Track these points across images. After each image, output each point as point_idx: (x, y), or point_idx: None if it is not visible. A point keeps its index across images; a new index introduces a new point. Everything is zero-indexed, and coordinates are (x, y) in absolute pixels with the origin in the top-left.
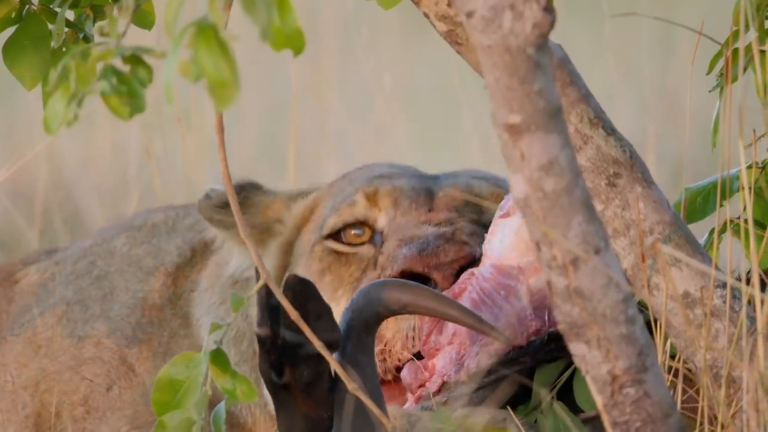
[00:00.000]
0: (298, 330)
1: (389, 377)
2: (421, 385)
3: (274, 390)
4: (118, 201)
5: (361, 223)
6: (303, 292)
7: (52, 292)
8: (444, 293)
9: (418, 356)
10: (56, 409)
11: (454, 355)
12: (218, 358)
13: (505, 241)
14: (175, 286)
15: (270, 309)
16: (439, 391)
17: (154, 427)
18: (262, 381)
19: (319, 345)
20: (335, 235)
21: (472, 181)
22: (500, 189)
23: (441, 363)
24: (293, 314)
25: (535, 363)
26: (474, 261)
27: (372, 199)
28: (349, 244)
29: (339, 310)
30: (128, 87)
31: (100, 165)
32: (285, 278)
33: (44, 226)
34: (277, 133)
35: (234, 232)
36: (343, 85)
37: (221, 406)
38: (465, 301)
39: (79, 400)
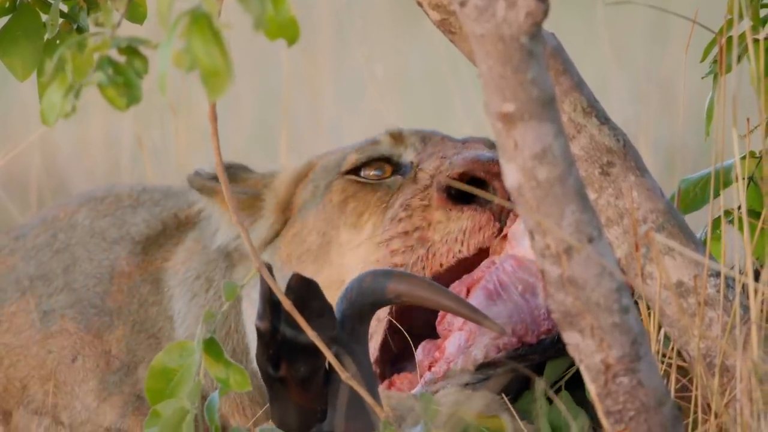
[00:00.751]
0: (298, 327)
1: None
2: (430, 366)
3: (270, 382)
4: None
5: (385, 160)
6: (305, 291)
7: (13, 268)
8: (463, 279)
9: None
10: (23, 383)
11: (462, 341)
12: (212, 347)
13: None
14: (144, 254)
15: (272, 303)
16: (443, 376)
17: (148, 416)
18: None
19: (312, 335)
20: (356, 170)
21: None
22: None
23: (449, 348)
24: (286, 303)
25: (544, 360)
26: None
27: (397, 137)
28: (370, 179)
29: (360, 238)
30: (124, 78)
31: (93, 154)
32: (289, 277)
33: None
34: (270, 122)
35: (219, 202)
36: (336, 74)
37: (215, 396)
38: (480, 290)
39: (47, 374)
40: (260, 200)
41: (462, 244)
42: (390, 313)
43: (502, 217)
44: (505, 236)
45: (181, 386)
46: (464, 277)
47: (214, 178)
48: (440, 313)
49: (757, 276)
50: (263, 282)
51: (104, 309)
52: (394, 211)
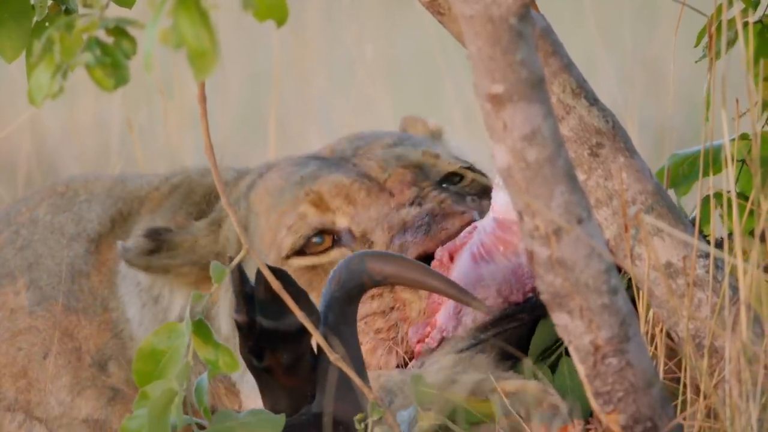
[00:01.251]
0: (273, 316)
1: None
2: (422, 340)
3: (256, 372)
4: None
5: (319, 232)
6: (277, 281)
7: None
8: (447, 245)
9: None
10: None
11: (452, 310)
12: (201, 328)
13: (507, 197)
14: (98, 253)
15: (245, 296)
16: (438, 347)
17: (136, 398)
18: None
19: (301, 316)
20: (297, 252)
21: (394, 150)
22: (426, 148)
23: (441, 318)
24: (275, 284)
25: (534, 318)
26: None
27: (320, 205)
28: (315, 254)
29: None
30: (112, 59)
31: (82, 136)
32: (257, 269)
33: None
34: (259, 103)
35: (174, 274)
36: (326, 55)
37: (204, 378)
38: (465, 254)
39: (19, 371)
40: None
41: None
42: None
43: None
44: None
45: (169, 368)
46: (447, 243)
47: (150, 250)
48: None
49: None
50: (235, 276)
51: (70, 307)
52: None
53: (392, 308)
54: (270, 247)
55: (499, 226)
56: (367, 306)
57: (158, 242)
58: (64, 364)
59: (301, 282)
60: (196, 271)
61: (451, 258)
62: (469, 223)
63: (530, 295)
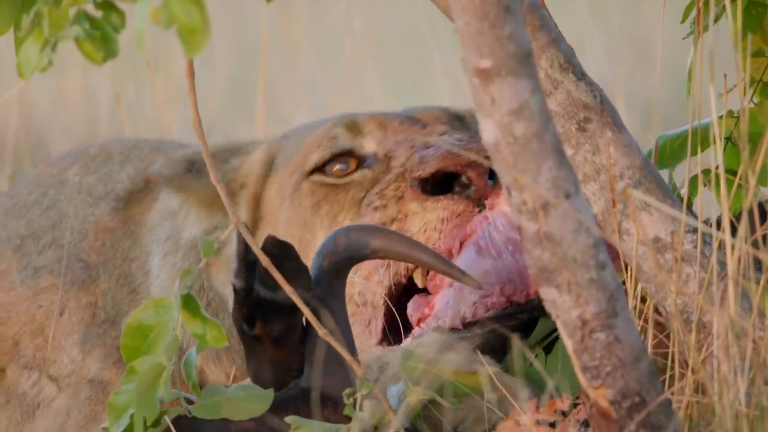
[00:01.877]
0: (272, 287)
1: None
2: (419, 322)
3: (245, 339)
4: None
5: (347, 153)
6: (280, 253)
7: (5, 227)
8: (456, 233)
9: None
10: (14, 339)
11: (451, 300)
12: (189, 303)
13: None
14: (126, 209)
15: (247, 262)
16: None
17: (124, 373)
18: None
19: (290, 290)
20: (320, 169)
21: (442, 107)
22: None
23: (439, 304)
24: (264, 260)
25: (532, 319)
26: None
27: (353, 128)
28: (339, 177)
29: None
30: (101, 32)
31: (70, 110)
32: (264, 239)
33: (15, 171)
34: (247, 78)
35: (194, 191)
36: (314, 30)
37: (192, 352)
38: (471, 246)
39: (37, 329)
40: (232, 195)
41: (440, 233)
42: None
43: (482, 200)
44: (499, 191)
45: (157, 342)
46: (457, 231)
47: (184, 168)
48: (429, 275)
49: (734, 232)
50: (239, 241)
51: (89, 263)
52: (369, 198)
53: (393, 220)
54: (296, 167)
55: (509, 223)
56: (368, 218)
57: (192, 170)
58: (77, 321)
59: (316, 196)
60: (210, 194)
61: (461, 246)
62: (485, 172)
63: (532, 297)
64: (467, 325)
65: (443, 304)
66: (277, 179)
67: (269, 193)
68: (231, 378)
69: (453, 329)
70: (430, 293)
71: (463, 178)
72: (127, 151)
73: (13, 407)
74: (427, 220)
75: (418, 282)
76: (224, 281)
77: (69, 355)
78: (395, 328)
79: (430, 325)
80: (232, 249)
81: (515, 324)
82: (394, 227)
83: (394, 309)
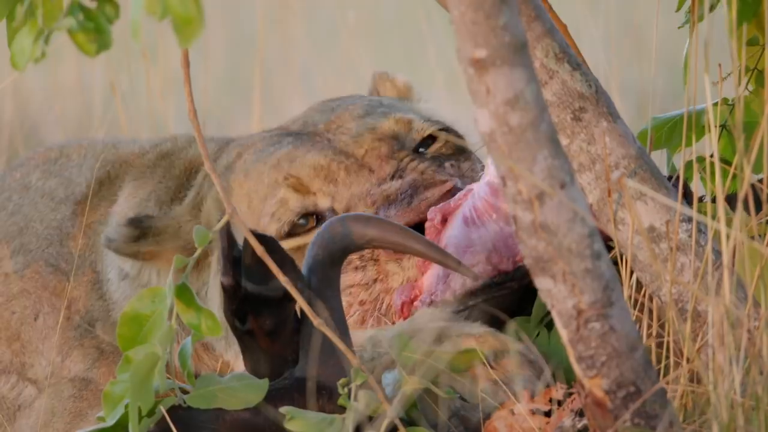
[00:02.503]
0: (259, 281)
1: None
2: (412, 301)
3: (238, 335)
4: (83, 136)
5: (302, 216)
6: (264, 246)
7: None
8: (440, 206)
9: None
10: None
11: (441, 272)
12: (183, 292)
13: None
14: (83, 215)
15: (232, 259)
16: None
17: (120, 362)
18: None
19: (285, 281)
20: (283, 237)
21: (368, 121)
22: (397, 114)
23: (429, 280)
24: (258, 249)
25: (523, 286)
26: (458, 187)
27: (300, 189)
28: (299, 235)
29: None
30: (95, 23)
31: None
32: (245, 235)
33: (9, 161)
34: (243, 67)
35: (164, 259)
36: (309, 20)
37: (188, 342)
38: (458, 217)
39: (13, 334)
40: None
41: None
42: None
43: None
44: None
45: (152, 332)
46: (442, 204)
47: (136, 236)
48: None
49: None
50: (222, 238)
51: (59, 269)
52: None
53: (375, 280)
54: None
55: (492, 191)
56: (350, 277)
57: (142, 229)
58: (53, 325)
59: None
60: (186, 254)
61: (444, 220)
62: (450, 192)
63: (520, 263)
64: (459, 297)
65: (433, 279)
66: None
67: None
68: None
69: (445, 303)
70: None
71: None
72: (83, 152)
73: None
74: (407, 277)
75: None
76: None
77: (47, 358)
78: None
79: (425, 300)
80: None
81: (506, 293)
82: (377, 287)
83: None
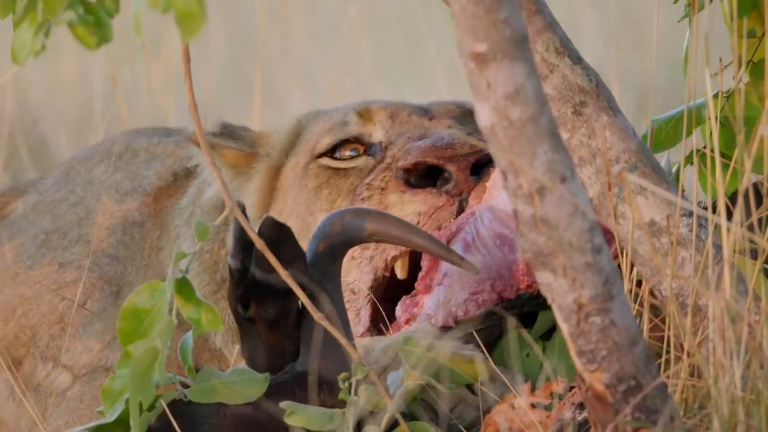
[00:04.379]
0: (267, 269)
1: None
2: (408, 321)
3: (239, 320)
4: (84, 130)
5: (355, 140)
6: (278, 235)
7: (32, 223)
8: (441, 231)
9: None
10: (33, 330)
11: (441, 297)
12: (183, 286)
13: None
14: (155, 203)
15: (244, 242)
16: None
17: (119, 358)
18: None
19: (284, 274)
20: (329, 153)
21: (460, 102)
22: None
23: (429, 303)
24: (259, 243)
25: (523, 314)
26: (489, 159)
27: (365, 115)
28: (344, 160)
29: None
30: (95, 17)
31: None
32: (261, 220)
33: (10, 155)
34: (244, 62)
35: (221, 151)
36: (309, 14)
37: (188, 336)
38: (458, 241)
39: (56, 318)
40: (255, 159)
41: (418, 225)
42: (372, 289)
43: (463, 195)
44: (484, 186)
45: (152, 326)
46: (443, 229)
47: (214, 134)
48: (422, 271)
49: (729, 215)
50: (236, 221)
51: (117, 257)
52: (360, 188)
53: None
54: (311, 147)
55: (495, 217)
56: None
57: (227, 131)
58: (99, 311)
59: (320, 179)
60: (238, 155)
61: (448, 243)
62: (480, 152)
63: (522, 292)
64: (459, 323)
65: (433, 302)
66: (297, 152)
67: (288, 166)
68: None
69: (445, 327)
70: (415, 290)
71: (446, 173)
72: (152, 148)
73: (29, 398)
74: (404, 213)
75: (398, 272)
76: None
77: (85, 344)
78: (381, 322)
79: (420, 322)
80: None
81: (505, 321)
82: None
83: (378, 303)
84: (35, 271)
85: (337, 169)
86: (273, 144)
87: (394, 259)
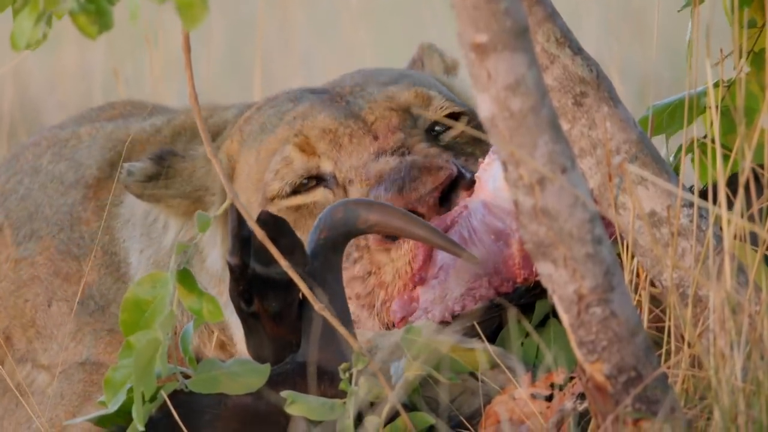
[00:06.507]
0: (267, 262)
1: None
2: (404, 318)
3: (243, 316)
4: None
5: (305, 178)
6: (275, 228)
7: None
8: (437, 223)
9: None
10: (6, 333)
11: (437, 291)
12: (185, 278)
13: (498, 182)
14: (96, 198)
15: (241, 239)
16: None
17: (121, 347)
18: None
19: (286, 265)
20: (283, 195)
21: (388, 90)
22: (418, 88)
23: (425, 296)
24: (259, 234)
25: (519, 306)
26: (453, 182)
27: (306, 149)
28: (300, 194)
29: None
30: (96, 5)
31: (66, 84)
32: (258, 214)
33: (10, 146)
34: (243, 52)
35: (168, 203)
36: (309, 3)
37: (189, 327)
38: (454, 235)
39: (28, 321)
40: (202, 205)
41: (413, 269)
42: None
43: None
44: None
45: (154, 317)
46: (437, 222)
47: (150, 177)
48: (414, 270)
49: (730, 205)
50: (232, 218)
51: (70, 254)
52: (347, 248)
53: (369, 273)
54: (256, 185)
55: (489, 212)
56: (349, 270)
57: (162, 167)
58: (67, 312)
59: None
60: (186, 204)
61: None
62: (443, 183)
63: (519, 285)
64: (456, 318)
65: (429, 297)
66: (242, 189)
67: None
68: None
69: (442, 323)
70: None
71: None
72: (94, 132)
73: (8, 398)
74: (397, 268)
75: None
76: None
77: (59, 344)
78: None
79: (419, 317)
80: (212, 258)
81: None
82: (372, 280)
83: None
84: None
85: (299, 208)
86: (212, 188)
87: None
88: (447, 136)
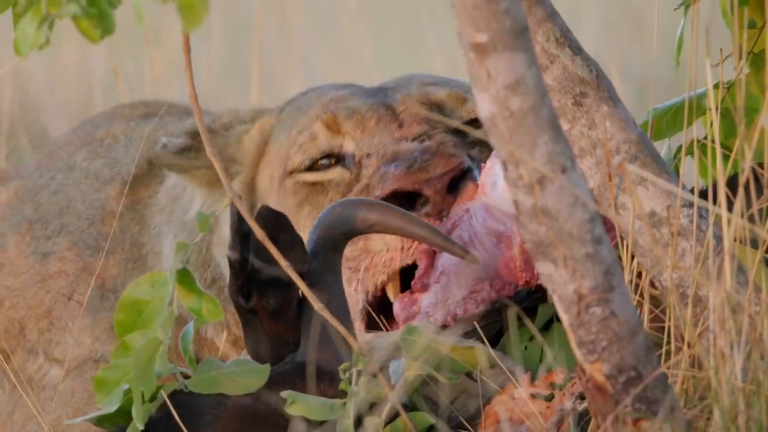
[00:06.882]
0: (266, 258)
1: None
2: (407, 320)
3: (242, 312)
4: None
5: (327, 155)
6: (275, 223)
7: (15, 210)
8: (437, 227)
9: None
10: (21, 324)
11: (439, 296)
12: (184, 277)
13: (499, 185)
14: (133, 193)
15: (241, 234)
16: None
17: (115, 348)
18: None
19: (285, 265)
20: (300, 170)
21: (426, 88)
22: (456, 90)
23: (426, 301)
24: (259, 233)
25: (522, 309)
26: (464, 172)
27: (333, 126)
28: (319, 171)
29: None
30: (98, 9)
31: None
32: (258, 209)
33: (11, 146)
34: (242, 52)
35: (193, 173)
36: (308, 3)
37: (189, 327)
38: (455, 238)
39: (44, 312)
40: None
41: (403, 249)
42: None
43: (443, 212)
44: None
45: (153, 317)
46: (439, 226)
47: (182, 149)
48: (418, 270)
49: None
50: (233, 212)
51: (99, 249)
52: None
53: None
54: (282, 160)
55: (490, 215)
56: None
57: (195, 141)
58: (87, 305)
59: (299, 196)
60: (210, 174)
61: None
62: (454, 169)
63: (521, 289)
64: (458, 321)
65: (430, 301)
66: (268, 163)
67: (262, 177)
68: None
69: (444, 326)
70: (412, 288)
71: (423, 197)
72: (130, 132)
73: (20, 393)
74: (387, 241)
75: (391, 296)
76: (224, 257)
77: (76, 339)
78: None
79: (420, 321)
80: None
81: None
82: (360, 244)
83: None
84: (19, 261)
85: (314, 184)
86: (241, 160)
87: (384, 282)
88: (472, 138)
